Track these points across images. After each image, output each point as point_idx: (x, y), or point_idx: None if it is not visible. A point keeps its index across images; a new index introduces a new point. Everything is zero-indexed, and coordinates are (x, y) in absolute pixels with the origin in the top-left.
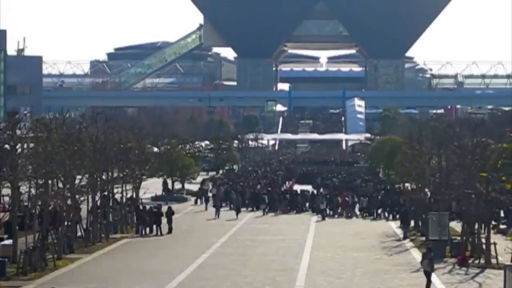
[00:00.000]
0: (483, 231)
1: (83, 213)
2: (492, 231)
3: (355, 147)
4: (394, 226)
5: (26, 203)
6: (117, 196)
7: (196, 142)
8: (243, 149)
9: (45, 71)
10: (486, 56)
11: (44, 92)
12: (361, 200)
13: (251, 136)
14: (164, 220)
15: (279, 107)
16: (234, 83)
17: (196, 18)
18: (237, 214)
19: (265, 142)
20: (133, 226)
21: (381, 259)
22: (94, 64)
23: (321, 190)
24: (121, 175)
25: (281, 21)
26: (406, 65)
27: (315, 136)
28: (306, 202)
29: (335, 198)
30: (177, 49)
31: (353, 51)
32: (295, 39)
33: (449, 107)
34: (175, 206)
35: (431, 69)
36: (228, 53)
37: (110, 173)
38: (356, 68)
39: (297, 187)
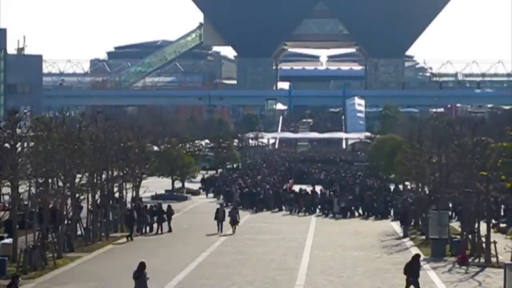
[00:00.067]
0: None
1: (83, 212)
2: (492, 230)
3: (355, 146)
4: (394, 225)
5: (26, 202)
6: (122, 195)
7: (196, 141)
8: (243, 148)
9: (45, 70)
10: (486, 55)
11: (44, 91)
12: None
13: (251, 135)
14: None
15: (279, 106)
16: (234, 82)
17: (196, 17)
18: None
19: (265, 140)
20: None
21: (381, 258)
22: (94, 63)
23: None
24: (121, 174)
25: (281, 20)
26: (406, 64)
27: (315, 135)
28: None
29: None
30: (177, 48)
31: (353, 50)
32: (295, 38)
33: (449, 106)
34: (175, 205)
35: (431, 68)
36: (228, 52)
37: (110, 172)
38: (356, 67)
39: (296, 187)
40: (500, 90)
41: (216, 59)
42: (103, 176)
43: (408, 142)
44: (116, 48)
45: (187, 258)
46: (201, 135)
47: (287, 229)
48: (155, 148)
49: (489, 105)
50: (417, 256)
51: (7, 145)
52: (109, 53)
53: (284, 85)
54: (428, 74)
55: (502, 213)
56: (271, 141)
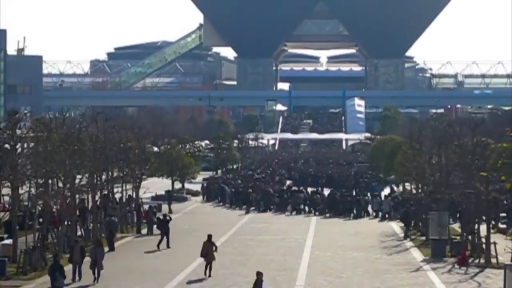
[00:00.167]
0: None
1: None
2: (492, 231)
3: (355, 147)
4: (394, 226)
5: (26, 203)
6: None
7: (196, 142)
8: (243, 148)
9: (45, 70)
10: (486, 55)
11: (44, 92)
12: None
13: (251, 135)
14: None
15: (279, 107)
16: (234, 83)
17: (196, 17)
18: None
19: (265, 141)
20: (134, 226)
21: (381, 258)
22: (94, 63)
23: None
24: (121, 174)
25: (281, 21)
26: (406, 65)
27: (315, 135)
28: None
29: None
30: (177, 49)
31: (353, 50)
32: (295, 38)
33: (449, 106)
34: (175, 206)
35: (431, 69)
36: (228, 52)
37: (110, 173)
38: (356, 68)
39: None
40: (499, 91)
41: (216, 60)
42: (103, 176)
43: (408, 143)
44: (116, 49)
45: (187, 259)
46: (201, 135)
47: (287, 229)
48: (155, 148)
49: (489, 106)
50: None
51: (7, 146)
52: (109, 54)
53: (284, 86)
54: (428, 75)
55: (504, 214)
56: (271, 142)
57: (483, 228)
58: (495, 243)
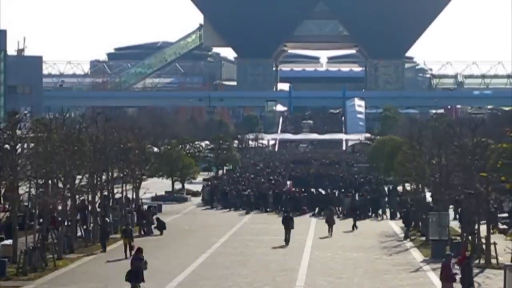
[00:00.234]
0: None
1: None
2: (492, 231)
3: (355, 147)
4: (394, 226)
5: (26, 203)
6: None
7: (196, 142)
8: (243, 149)
9: (45, 71)
10: (486, 56)
11: (44, 92)
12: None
13: (251, 136)
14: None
15: (279, 107)
16: (234, 83)
17: (196, 18)
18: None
19: (265, 142)
20: (134, 226)
21: (381, 259)
22: (94, 64)
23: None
24: (121, 175)
25: (281, 21)
26: (406, 65)
27: (315, 136)
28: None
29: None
30: (177, 49)
31: (353, 51)
32: (295, 39)
33: (449, 107)
34: (175, 206)
35: (431, 69)
36: (228, 53)
37: (110, 173)
38: (356, 68)
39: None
40: (499, 91)
41: (216, 60)
42: (103, 177)
43: (408, 143)
44: (116, 49)
45: (187, 259)
46: (201, 136)
47: None
48: (155, 149)
49: (489, 106)
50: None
51: (7, 146)
52: (109, 54)
53: (284, 86)
54: (428, 76)
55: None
56: (271, 142)
57: (483, 228)
58: (495, 244)
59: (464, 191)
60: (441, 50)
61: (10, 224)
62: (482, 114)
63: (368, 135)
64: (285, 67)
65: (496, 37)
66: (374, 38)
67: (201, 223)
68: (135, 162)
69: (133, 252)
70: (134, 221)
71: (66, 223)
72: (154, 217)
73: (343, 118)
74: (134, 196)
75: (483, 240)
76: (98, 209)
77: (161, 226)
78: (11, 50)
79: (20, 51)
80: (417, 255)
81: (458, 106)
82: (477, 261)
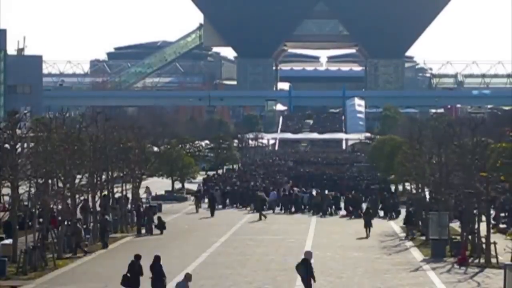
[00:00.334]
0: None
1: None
2: (492, 231)
3: (355, 147)
4: (394, 225)
5: (26, 203)
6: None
7: (196, 142)
8: (243, 148)
9: (45, 70)
10: (486, 55)
11: (44, 92)
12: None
13: (251, 135)
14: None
15: (279, 107)
16: (234, 83)
17: (196, 17)
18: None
19: (265, 141)
20: (134, 226)
21: (381, 258)
22: (94, 63)
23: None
24: (121, 174)
25: (281, 21)
26: (406, 65)
27: (315, 135)
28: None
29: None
30: (177, 49)
31: (353, 50)
32: (295, 38)
33: (449, 106)
34: (175, 206)
35: (431, 69)
36: (228, 52)
37: (110, 173)
38: (356, 68)
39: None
40: (498, 91)
41: (216, 60)
42: (103, 177)
43: (408, 143)
44: (116, 48)
45: (187, 259)
46: (201, 135)
47: (287, 229)
48: (155, 148)
49: (489, 106)
50: None
51: (7, 145)
52: (109, 54)
53: (284, 86)
54: (428, 75)
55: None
56: (271, 141)
57: (483, 228)
58: (495, 243)
59: (464, 190)
60: (441, 50)
61: (10, 224)
62: (482, 113)
63: (368, 134)
64: (285, 67)
65: (496, 37)
66: (374, 37)
67: (201, 222)
68: (135, 162)
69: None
70: (133, 220)
71: (66, 223)
72: (155, 216)
73: (343, 118)
74: (136, 195)
75: (483, 240)
76: (98, 209)
77: (161, 226)
78: (11, 49)
79: (20, 50)
80: (417, 255)
81: (458, 105)
82: (477, 261)
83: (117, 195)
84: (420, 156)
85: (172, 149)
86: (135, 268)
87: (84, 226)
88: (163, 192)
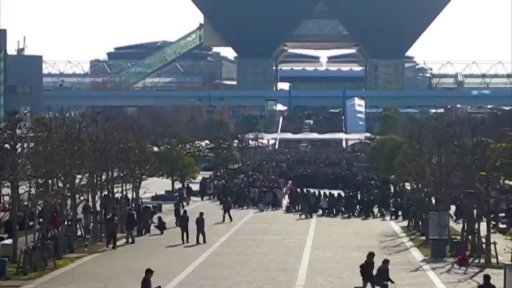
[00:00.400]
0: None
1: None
2: (492, 231)
3: (355, 147)
4: (394, 225)
5: (26, 203)
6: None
7: (196, 142)
8: (243, 148)
9: (45, 70)
10: (486, 55)
11: (44, 92)
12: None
13: (251, 135)
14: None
15: (279, 107)
16: (234, 83)
17: (196, 17)
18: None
19: (265, 141)
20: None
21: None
22: (94, 63)
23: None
24: (121, 174)
25: (281, 21)
26: (406, 65)
27: (315, 135)
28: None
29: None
30: (177, 49)
31: (353, 50)
32: (295, 38)
33: (449, 106)
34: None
35: (431, 69)
36: (228, 52)
37: (110, 173)
38: (356, 68)
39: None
40: (498, 91)
41: (216, 60)
42: (103, 176)
43: (408, 143)
44: (116, 48)
45: (187, 259)
46: (201, 135)
47: (287, 229)
48: (155, 148)
49: (489, 106)
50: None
51: (7, 145)
52: (109, 54)
53: (284, 86)
54: (428, 75)
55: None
56: (271, 141)
57: (483, 228)
58: (495, 243)
59: (464, 190)
60: (441, 50)
61: (10, 224)
62: (482, 113)
63: (368, 134)
64: (285, 67)
65: (496, 37)
66: (374, 37)
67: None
68: (135, 162)
69: None
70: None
71: (66, 223)
72: (156, 216)
73: (343, 118)
74: (135, 196)
75: (483, 240)
76: (98, 209)
77: (162, 226)
78: (11, 49)
79: (20, 50)
80: (417, 255)
81: (458, 105)
82: (477, 261)
83: (117, 195)
84: (420, 156)
85: (172, 149)
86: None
87: (83, 226)
88: (163, 192)
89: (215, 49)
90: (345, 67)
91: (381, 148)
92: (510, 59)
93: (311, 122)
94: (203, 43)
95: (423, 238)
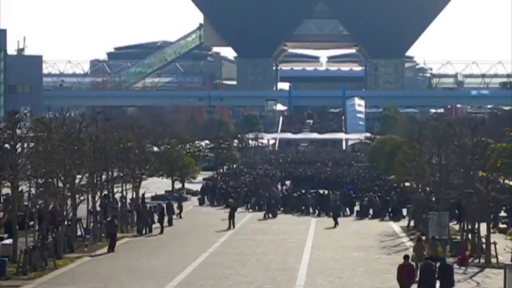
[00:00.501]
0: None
1: (83, 212)
2: (492, 230)
3: (355, 147)
4: (394, 225)
5: (26, 203)
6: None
7: (196, 142)
8: (243, 148)
9: (45, 70)
10: (486, 55)
11: (44, 92)
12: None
13: (251, 135)
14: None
15: (279, 107)
16: (234, 83)
17: (196, 17)
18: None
19: (265, 141)
20: (134, 226)
21: (380, 258)
22: (94, 63)
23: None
24: (121, 174)
25: (281, 21)
26: (406, 65)
27: (315, 135)
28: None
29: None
30: (177, 49)
31: (353, 50)
32: (295, 38)
33: (449, 106)
34: (175, 206)
35: (431, 69)
36: (228, 52)
37: (110, 173)
38: (356, 68)
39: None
40: (497, 91)
41: (216, 60)
42: (103, 176)
43: (408, 143)
44: (116, 48)
45: (187, 259)
46: (201, 135)
47: (287, 229)
48: (155, 148)
49: (489, 106)
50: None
51: (7, 145)
52: (109, 54)
53: (284, 86)
54: (428, 75)
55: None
56: (271, 141)
57: (483, 228)
58: (495, 243)
59: (464, 190)
60: (441, 50)
61: (10, 223)
62: (482, 113)
63: (368, 134)
64: (285, 67)
65: (496, 37)
66: (374, 37)
67: (201, 222)
68: (135, 162)
69: None
70: (134, 220)
71: (66, 223)
72: (155, 215)
73: (343, 118)
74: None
75: (483, 240)
76: (98, 209)
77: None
78: (11, 49)
79: (20, 50)
80: None
81: (458, 105)
82: (477, 261)
83: (117, 195)
84: (420, 156)
85: (172, 149)
86: None
87: (84, 226)
88: (163, 192)
89: (215, 49)
90: (345, 67)
91: (381, 148)
92: (510, 59)
93: (311, 122)
94: (203, 43)
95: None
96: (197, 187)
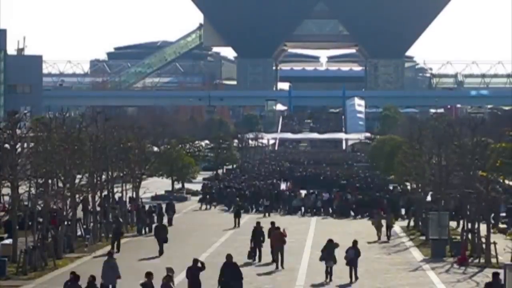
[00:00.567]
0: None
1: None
2: (492, 231)
3: (355, 147)
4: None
5: (26, 203)
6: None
7: (196, 142)
8: (243, 148)
9: (45, 70)
10: (486, 55)
11: (44, 92)
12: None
13: (251, 135)
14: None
15: (279, 107)
16: (234, 83)
17: (196, 17)
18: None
19: (265, 141)
20: (134, 226)
21: (381, 258)
22: (94, 63)
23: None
24: (121, 174)
25: (281, 21)
26: (406, 65)
27: (315, 135)
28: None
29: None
30: (177, 49)
31: (353, 50)
32: (295, 38)
33: (449, 106)
34: (175, 206)
35: (431, 69)
36: (228, 52)
37: (110, 173)
38: (356, 68)
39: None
40: (497, 91)
41: (216, 60)
42: (103, 176)
43: (408, 143)
44: (116, 48)
45: (187, 259)
46: (201, 135)
47: (287, 229)
48: (155, 148)
49: (489, 106)
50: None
51: (7, 145)
52: (109, 54)
53: (284, 86)
54: (428, 75)
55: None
56: (271, 141)
57: (483, 228)
58: (495, 243)
59: (464, 190)
60: (441, 50)
61: (10, 223)
62: (482, 113)
63: (368, 134)
64: (285, 67)
65: (496, 37)
66: (374, 37)
67: (201, 222)
68: (135, 162)
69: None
70: (133, 220)
71: (66, 223)
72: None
73: (343, 118)
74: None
75: (483, 240)
76: (98, 209)
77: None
78: (11, 49)
79: (20, 50)
80: (417, 255)
81: (458, 105)
82: (477, 261)
83: (117, 195)
84: (420, 156)
85: (172, 149)
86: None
87: (84, 226)
88: (163, 192)
89: (215, 49)
90: (345, 67)
91: (381, 148)
92: (510, 59)
93: (311, 122)
94: (203, 43)
95: (423, 238)
96: (197, 187)
